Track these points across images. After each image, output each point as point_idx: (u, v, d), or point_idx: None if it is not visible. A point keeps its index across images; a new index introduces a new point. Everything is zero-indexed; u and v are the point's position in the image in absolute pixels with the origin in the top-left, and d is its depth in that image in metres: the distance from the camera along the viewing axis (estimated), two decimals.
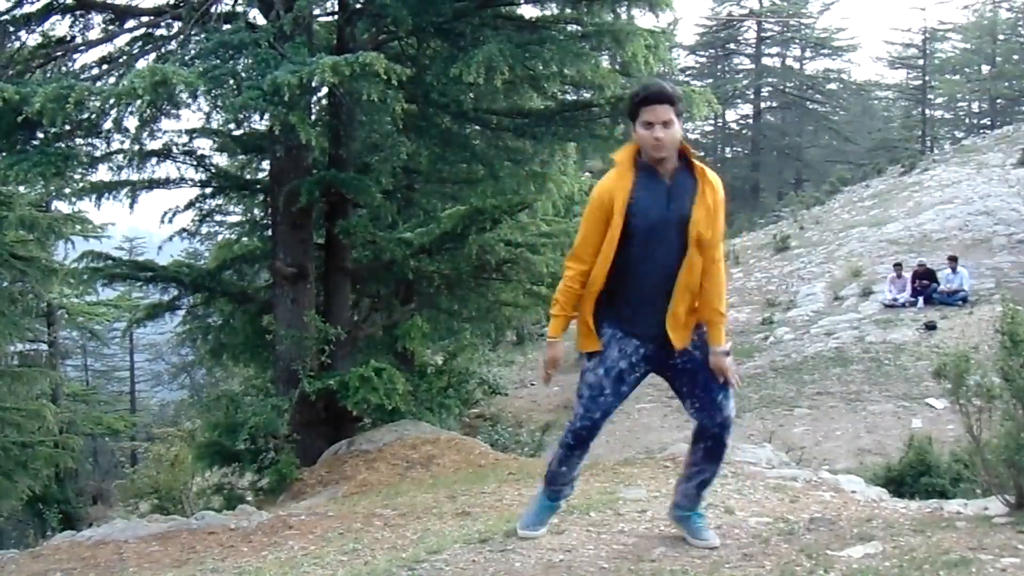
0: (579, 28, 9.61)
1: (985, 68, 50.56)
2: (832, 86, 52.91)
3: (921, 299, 17.73)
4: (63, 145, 8.84)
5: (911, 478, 8.41)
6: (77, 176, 10.27)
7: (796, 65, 53.32)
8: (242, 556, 5.31)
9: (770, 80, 52.11)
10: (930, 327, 16.11)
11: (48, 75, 9.42)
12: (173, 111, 8.76)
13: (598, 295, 3.82)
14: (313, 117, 10.19)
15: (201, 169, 11.21)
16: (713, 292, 3.76)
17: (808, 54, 53.11)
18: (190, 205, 12.05)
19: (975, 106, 53.94)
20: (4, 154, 8.72)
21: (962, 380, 4.37)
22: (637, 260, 3.74)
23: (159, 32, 9.70)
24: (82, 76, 9.35)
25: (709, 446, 3.93)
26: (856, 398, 13.81)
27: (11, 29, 9.51)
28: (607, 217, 3.72)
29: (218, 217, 13.99)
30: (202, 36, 9.09)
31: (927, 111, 51.29)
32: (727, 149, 56.03)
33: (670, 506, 4.17)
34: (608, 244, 3.73)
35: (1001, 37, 49.58)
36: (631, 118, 3.74)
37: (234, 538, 6.11)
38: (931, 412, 12.59)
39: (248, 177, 12.96)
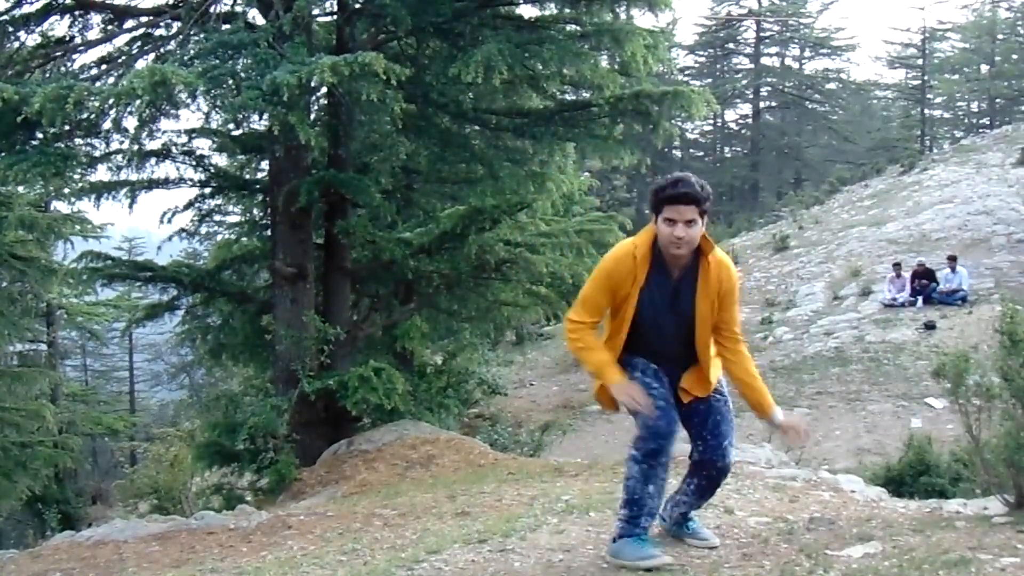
0: (578, 28, 9.62)
1: (984, 68, 50.57)
2: (831, 86, 52.92)
3: (920, 299, 17.72)
4: (62, 145, 8.84)
5: (910, 478, 8.41)
6: (76, 176, 10.26)
7: (795, 65, 53.32)
8: (241, 556, 5.30)
9: (769, 80, 52.10)
10: (929, 327, 16.11)
11: (47, 75, 9.42)
12: (172, 111, 8.76)
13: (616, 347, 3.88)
14: (312, 117, 10.19)
15: (200, 169, 11.22)
16: (743, 371, 3.84)
17: (807, 54, 53.13)
18: (189, 205, 12.05)
19: (974, 106, 53.95)
20: (4, 154, 8.72)
21: (961, 380, 4.37)
22: (648, 337, 3.82)
23: (158, 32, 9.70)
24: (81, 76, 9.35)
25: (703, 485, 3.95)
26: (855, 398, 13.81)
27: (10, 29, 9.52)
28: (614, 291, 3.77)
29: (217, 217, 13.98)
30: (201, 36, 9.08)
31: (926, 111, 51.27)
32: (726, 149, 56.04)
33: (662, 524, 4.11)
34: (619, 326, 3.81)
35: (1000, 37, 49.58)
36: (653, 210, 3.70)
37: (233, 538, 6.11)
38: (930, 412, 12.58)
39: (247, 177, 12.96)
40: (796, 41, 52.35)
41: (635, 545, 3.74)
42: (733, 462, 3.94)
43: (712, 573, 3.57)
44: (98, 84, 8.96)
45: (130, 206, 10.59)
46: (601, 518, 4.59)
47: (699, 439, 3.88)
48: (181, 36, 9.43)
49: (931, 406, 12.73)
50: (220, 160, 12.44)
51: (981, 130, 45.59)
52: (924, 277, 18.01)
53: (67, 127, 8.47)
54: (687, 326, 3.76)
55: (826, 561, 3.61)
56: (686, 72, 51.12)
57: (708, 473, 3.91)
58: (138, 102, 7.67)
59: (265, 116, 8.50)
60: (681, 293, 3.74)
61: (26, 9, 9.50)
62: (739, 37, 52.66)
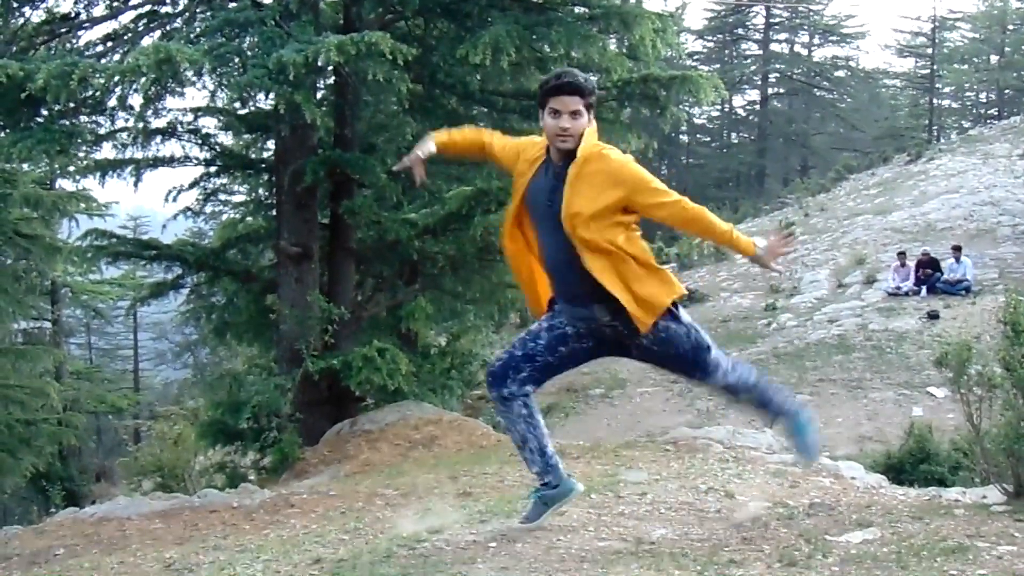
0: (586, 10, 9.58)
1: (994, 58, 50.35)
2: (840, 73, 52.75)
3: (924, 288, 17.70)
4: (67, 122, 8.85)
5: (911, 465, 8.44)
6: (81, 154, 10.27)
7: (804, 52, 53.15)
8: (244, 534, 5.33)
9: (778, 66, 51.93)
10: (933, 316, 16.09)
11: (52, 52, 9.38)
12: (178, 89, 8.75)
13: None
14: (319, 96, 10.19)
15: (206, 148, 11.19)
16: (700, 225, 3.66)
17: (816, 41, 52.95)
18: (194, 184, 12.03)
19: (983, 96, 53.78)
20: (8, 131, 8.72)
21: (963, 369, 4.38)
22: (540, 245, 3.80)
23: (164, 9, 9.66)
24: (86, 53, 9.33)
25: (731, 398, 3.98)
26: (857, 385, 13.82)
27: (15, 5, 9.49)
28: (511, 163, 3.84)
29: (222, 196, 13.95)
30: (207, 14, 9.07)
31: (934, 100, 51.10)
32: (733, 135, 55.90)
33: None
34: (509, 216, 3.85)
35: (1011, 27, 49.33)
36: (540, 105, 3.67)
37: (236, 516, 6.14)
38: (932, 401, 12.59)
39: (253, 156, 12.93)
40: (805, 28, 52.16)
41: (531, 510, 4.00)
42: (720, 369, 3.78)
43: (712, 556, 3.59)
44: (103, 61, 8.93)
45: (135, 184, 10.59)
46: (603, 500, 4.61)
47: (674, 373, 3.98)
48: (187, 14, 9.41)
49: (932, 395, 12.74)
50: (226, 139, 12.42)
51: (989, 121, 45.44)
52: (928, 266, 17.98)
53: (72, 104, 8.47)
54: (560, 225, 3.60)
55: (825, 546, 3.63)
56: (694, 57, 50.98)
57: (718, 390, 3.92)
58: (143, 80, 7.65)
59: (271, 95, 8.48)
60: (557, 186, 3.63)
61: None
62: (748, 23, 52.47)
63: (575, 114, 3.58)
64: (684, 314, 3.76)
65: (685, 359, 3.77)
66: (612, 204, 3.55)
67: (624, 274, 3.59)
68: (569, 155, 3.63)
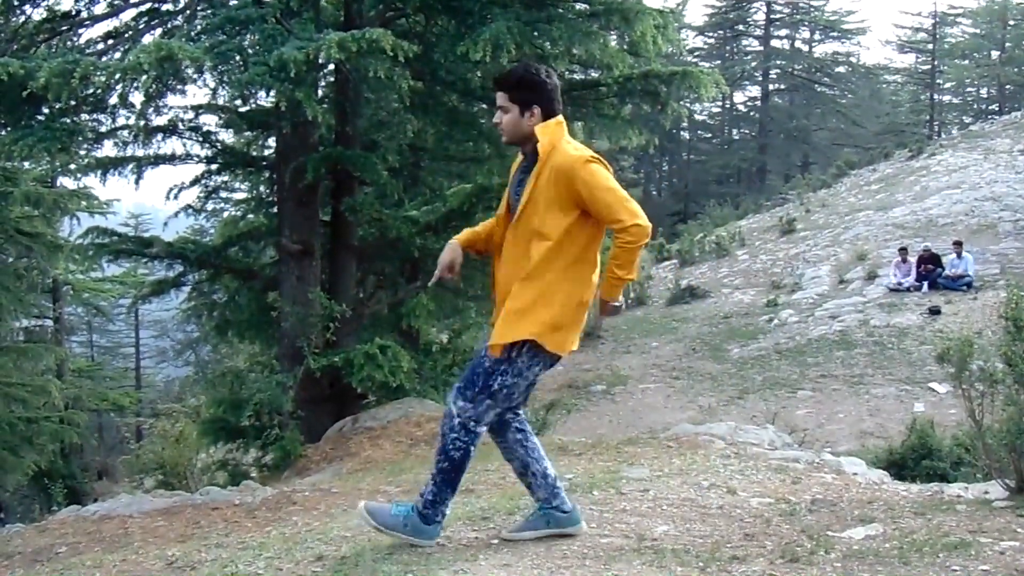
0: (587, 7, 9.58)
1: (995, 53, 50.31)
2: (841, 69, 52.71)
3: (926, 284, 17.68)
4: (68, 120, 8.85)
5: (912, 461, 8.43)
6: (82, 152, 10.28)
7: (805, 47, 53.10)
8: (246, 531, 5.34)
9: (778, 62, 51.89)
10: (934, 312, 16.08)
11: (53, 50, 9.40)
12: (179, 87, 8.76)
13: None
14: (320, 94, 10.17)
15: (207, 145, 11.21)
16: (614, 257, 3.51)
17: (817, 36, 52.90)
18: (196, 181, 12.04)
19: (983, 91, 53.75)
20: (9, 129, 8.73)
21: (965, 365, 4.38)
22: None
23: (165, 7, 9.67)
24: (87, 51, 9.34)
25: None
26: (859, 381, 13.81)
27: (16, 3, 9.49)
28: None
29: (224, 194, 13.99)
30: (208, 11, 9.07)
31: (935, 96, 51.08)
32: (734, 131, 55.84)
33: None
34: (500, 215, 3.80)
35: (1011, 22, 49.28)
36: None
37: (238, 513, 6.15)
38: (934, 396, 12.59)
39: (254, 154, 12.95)
40: (806, 24, 52.10)
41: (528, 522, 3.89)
42: (452, 406, 3.62)
43: (714, 552, 3.59)
44: (104, 59, 8.95)
45: (136, 182, 10.61)
46: (604, 496, 4.61)
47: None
48: (188, 11, 9.41)
49: (934, 391, 12.74)
50: (227, 136, 12.45)
51: (990, 116, 45.43)
52: (930, 262, 17.97)
53: (73, 102, 8.47)
54: (518, 214, 3.56)
55: (827, 542, 3.63)
56: (695, 53, 50.92)
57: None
58: (144, 77, 7.66)
59: (272, 92, 8.49)
60: (522, 180, 3.61)
61: None
62: (749, 19, 52.41)
63: (502, 109, 3.64)
64: (522, 361, 3.57)
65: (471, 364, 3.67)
66: (554, 200, 3.48)
67: (514, 290, 3.57)
68: (531, 153, 3.62)
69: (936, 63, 49.96)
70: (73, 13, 9.72)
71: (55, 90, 7.52)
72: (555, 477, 3.82)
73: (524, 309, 3.50)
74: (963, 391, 4.41)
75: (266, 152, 12.78)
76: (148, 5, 9.62)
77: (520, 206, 3.54)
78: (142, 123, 9.31)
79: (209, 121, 11.33)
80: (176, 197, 12.00)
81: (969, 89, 54.65)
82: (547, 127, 3.56)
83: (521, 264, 3.54)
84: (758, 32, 52.24)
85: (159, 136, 10.46)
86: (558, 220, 3.47)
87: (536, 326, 3.49)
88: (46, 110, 8.70)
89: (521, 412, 3.80)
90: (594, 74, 10.81)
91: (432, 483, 3.67)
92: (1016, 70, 49.01)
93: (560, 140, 3.55)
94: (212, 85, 9.18)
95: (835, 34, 51.75)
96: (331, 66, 9.67)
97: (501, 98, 3.60)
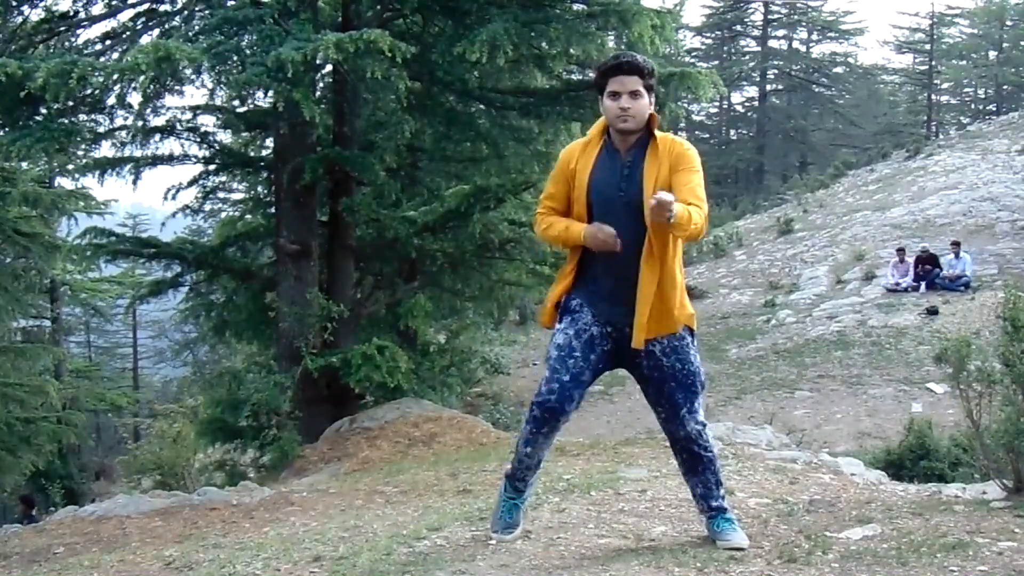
0: (585, 7, 9.58)
1: (992, 54, 50.35)
2: (838, 69, 52.72)
3: (923, 284, 17.69)
4: (66, 121, 8.85)
5: (910, 462, 8.43)
6: (80, 152, 10.29)
7: (803, 48, 53.12)
8: (244, 532, 5.33)
9: (776, 63, 51.88)
10: (932, 312, 16.09)
11: (51, 50, 9.40)
12: (177, 87, 8.77)
13: (572, 274, 3.71)
14: (317, 94, 10.18)
15: (205, 146, 11.21)
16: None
17: (815, 37, 52.90)
18: (193, 182, 12.05)
19: (981, 92, 53.76)
20: (7, 129, 8.72)
21: (963, 365, 4.38)
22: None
23: (163, 8, 9.67)
24: (85, 51, 9.34)
25: (683, 459, 3.74)
26: (857, 381, 13.82)
27: (14, 4, 9.50)
28: (568, 180, 3.67)
29: (221, 194, 14.01)
30: (206, 12, 9.07)
31: (933, 96, 51.11)
32: (732, 131, 55.84)
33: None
34: (576, 218, 3.65)
35: (1009, 23, 49.32)
36: (598, 89, 3.62)
37: (236, 514, 6.14)
38: (931, 396, 12.59)
39: (252, 154, 12.95)
40: (804, 24, 52.10)
41: (502, 510, 3.87)
42: (697, 429, 3.62)
43: (712, 553, 3.59)
44: (102, 59, 8.95)
45: (134, 182, 10.61)
46: (602, 497, 4.62)
47: (658, 406, 3.67)
48: (186, 12, 9.41)
49: (932, 391, 12.74)
50: (225, 137, 12.45)
51: (987, 116, 45.44)
52: (928, 262, 17.98)
53: (71, 103, 8.47)
54: (638, 210, 3.47)
55: (825, 543, 3.63)
56: (693, 54, 50.87)
57: (675, 446, 3.72)
58: (142, 78, 7.65)
59: (270, 93, 8.49)
60: (630, 173, 3.55)
61: None
62: (747, 19, 52.41)
63: (634, 94, 3.52)
64: (694, 346, 3.68)
65: (683, 385, 3.62)
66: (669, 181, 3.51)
67: (662, 282, 3.53)
68: (639, 140, 3.59)
69: (934, 63, 49.98)
70: (71, 13, 9.71)
71: (53, 90, 7.52)
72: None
73: (677, 297, 3.57)
74: (961, 391, 4.41)
75: (264, 152, 12.78)
76: (146, 6, 9.62)
77: (646, 190, 3.48)
78: (140, 123, 9.32)
79: (207, 121, 11.35)
80: (174, 197, 12.02)
81: (967, 89, 54.69)
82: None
83: (653, 251, 3.50)
84: (756, 33, 52.24)
85: (157, 136, 10.46)
86: None
87: (688, 309, 3.63)
88: (44, 110, 8.70)
89: None
90: (592, 75, 10.80)
91: (719, 487, 3.74)
92: (1014, 70, 49.05)
93: None
94: (210, 86, 9.19)
95: (833, 34, 51.73)
96: (329, 67, 9.68)
97: (633, 82, 3.52)
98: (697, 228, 3.39)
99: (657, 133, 3.60)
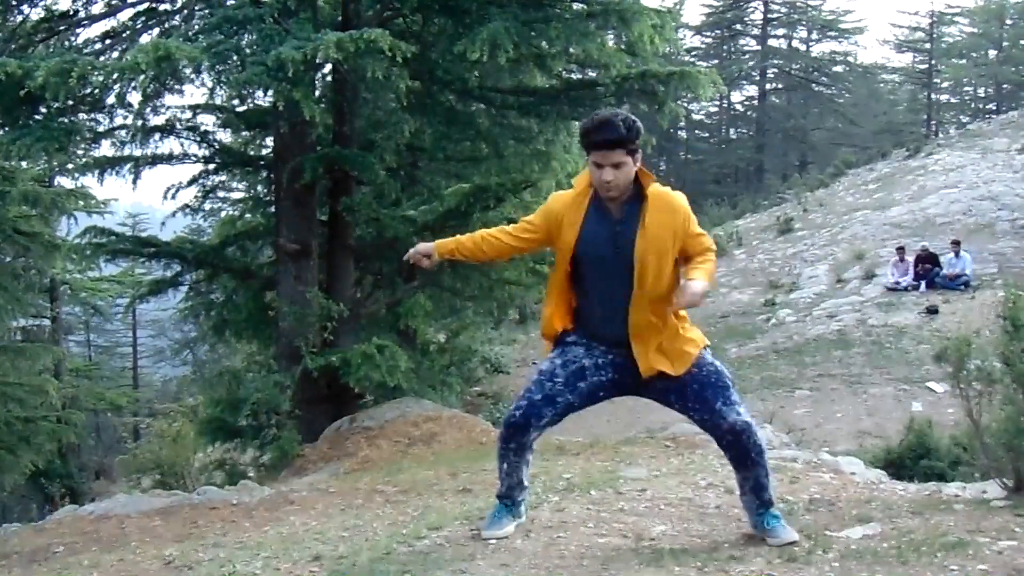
0: (585, 6, 9.57)
1: (992, 53, 50.33)
2: (838, 68, 52.69)
3: (923, 283, 17.70)
4: (66, 120, 8.84)
5: (910, 461, 8.44)
6: (80, 151, 10.28)
7: (802, 47, 53.10)
8: (244, 531, 5.34)
9: (776, 62, 51.86)
10: (932, 311, 16.10)
11: (51, 49, 9.39)
12: (176, 86, 8.76)
13: (567, 310, 3.76)
14: (317, 94, 10.16)
15: (204, 145, 11.20)
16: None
17: (815, 36, 52.88)
18: (193, 181, 12.05)
19: (981, 91, 53.75)
20: (7, 129, 8.72)
21: (963, 364, 4.37)
22: (591, 287, 3.68)
23: (163, 7, 9.66)
24: (85, 51, 9.33)
25: (731, 455, 3.71)
26: (857, 381, 13.82)
27: (14, 3, 9.49)
28: (552, 229, 3.69)
29: (221, 193, 14.01)
30: (206, 11, 9.06)
31: (933, 95, 51.11)
32: (732, 130, 55.84)
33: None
34: (559, 268, 3.71)
35: (1008, 22, 49.30)
36: (585, 150, 3.59)
37: (236, 513, 6.14)
38: (931, 396, 12.59)
39: (252, 153, 12.95)
40: (804, 23, 52.09)
41: (493, 515, 3.93)
42: (743, 421, 3.59)
43: (712, 552, 3.59)
44: (102, 59, 8.94)
45: (134, 182, 10.61)
46: (602, 496, 4.62)
47: (691, 411, 3.68)
48: (186, 11, 9.41)
49: (932, 390, 12.74)
50: (224, 136, 12.45)
51: (987, 115, 45.43)
52: (927, 261, 17.99)
53: (70, 102, 8.47)
54: (631, 268, 3.55)
55: (825, 542, 3.63)
56: (693, 53, 50.87)
57: (723, 441, 3.66)
58: (142, 77, 7.66)
59: (270, 92, 8.49)
60: (623, 231, 3.57)
61: None
62: (746, 18, 52.40)
63: (618, 166, 3.50)
64: (708, 355, 3.75)
65: (708, 384, 3.65)
66: (671, 245, 3.57)
67: (656, 334, 3.64)
68: (631, 197, 3.60)
69: (933, 62, 49.97)
70: (71, 13, 9.71)
71: (53, 89, 7.51)
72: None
73: (685, 336, 3.70)
74: (961, 390, 4.40)
75: (264, 152, 12.77)
76: (146, 5, 9.61)
77: (638, 255, 3.54)
78: (140, 123, 9.31)
79: (207, 121, 11.35)
80: (174, 197, 12.02)
81: (966, 88, 54.66)
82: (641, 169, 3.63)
83: (651, 311, 3.60)
84: (755, 32, 52.22)
85: (157, 136, 10.45)
86: (671, 258, 3.61)
87: (697, 340, 3.74)
88: (44, 109, 8.69)
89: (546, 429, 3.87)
90: (592, 74, 10.81)
91: (769, 482, 3.73)
92: (1013, 69, 49.04)
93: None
94: (210, 85, 9.17)
95: (832, 33, 51.72)
96: (329, 66, 9.67)
97: (616, 155, 3.49)
98: (714, 273, 3.65)
99: (649, 190, 3.59)
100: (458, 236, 3.94)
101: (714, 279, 3.60)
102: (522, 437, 3.71)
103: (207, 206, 13.69)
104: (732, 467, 3.78)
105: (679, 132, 50.76)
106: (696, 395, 3.64)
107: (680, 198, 3.65)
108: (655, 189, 3.60)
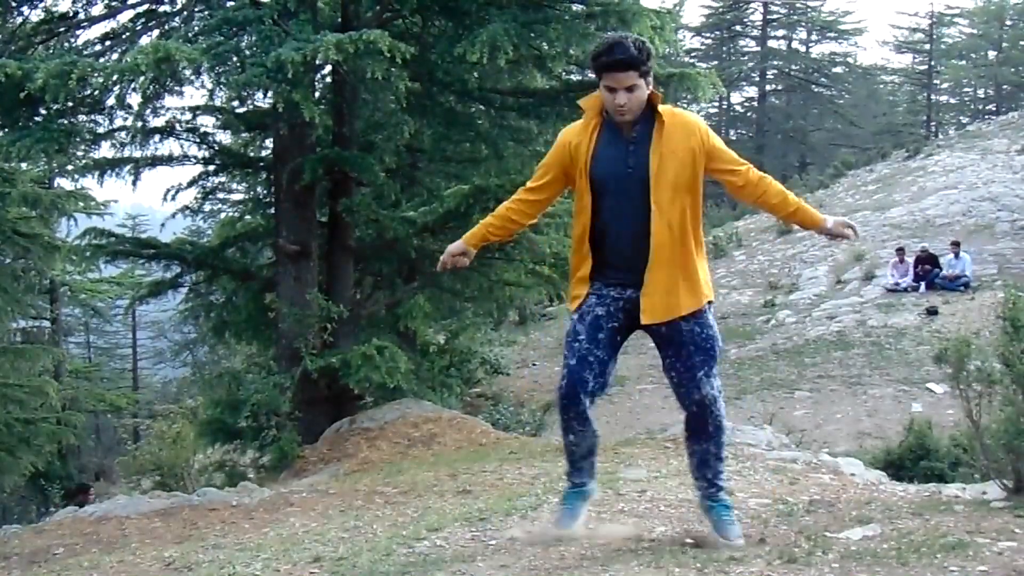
0: (584, 8, 9.57)
1: (992, 54, 50.35)
2: (838, 69, 52.67)
3: (923, 284, 17.70)
4: (66, 121, 8.85)
5: (910, 462, 8.44)
6: (80, 153, 10.28)
7: (802, 48, 53.08)
8: (243, 532, 5.34)
9: (776, 63, 51.86)
10: (932, 312, 16.10)
11: (51, 51, 9.39)
12: (176, 88, 8.77)
13: (588, 256, 3.69)
14: (317, 95, 10.17)
15: (204, 147, 11.20)
16: (772, 196, 3.73)
17: (814, 37, 52.87)
18: (193, 183, 12.05)
19: (981, 92, 53.76)
20: (7, 130, 8.72)
21: (963, 365, 4.37)
22: (609, 217, 3.61)
23: (162, 8, 9.67)
24: (85, 52, 9.33)
25: (689, 424, 3.72)
26: (857, 382, 13.82)
27: (14, 4, 9.50)
28: (565, 162, 3.66)
29: (221, 195, 14.00)
30: (206, 13, 9.07)
31: (932, 96, 51.14)
32: (731, 131, 55.76)
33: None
34: (579, 200, 3.66)
35: (1008, 23, 49.33)
36: (596, 74, 3.56)
37: (236, 514, 6.14)
38: (931, 397, 12.59)
39: (251, 155, 12.94)
40: (803, 24, 52.09)
41: (562, 506, 3.85)
42: (713, 395, 3.61)
43: (712, 553, 3.58)
44: (102, 60, 8.93)
45: (133, 183, 10.61)
46: (602, 497, 4.61)
47: (672, 370, 3.65)
48: (185, 13, 9.41)
49: (932, 391, 12.74)
50: (224, 137, 12.45)
51: (987, 116, 45.44)
52: (927, 262, 17.99)
53: (70, 103, 8.47)
54: (646, 185, 3.51)
55: (825, 543, 3.62)
56: (692, 54, 50.85)
57: (689, 410, 3.66)
58: (142, 79, 7.66)
59: (269, 93, 8.49)
60: (636, 149, 3.54)
61: None
62: (746, 19, 52.39)
63: (631, 88, 3.47)
64: (711, 314, 3.72)
65: (702, 349, 3.62)
66: (689, 162, 3.54)
67: (674, 259, 3.57)
68: (643, 116, 3.56)
69: (933, 63, 49.99)
70: (71, 14, 9.71)
71: (53, 91, 7.52)
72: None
73: (699, 273, 3.63)
74: (960, 391, 4.40)
75: (263, 153, 12.77)
76: (145, 7, 9.62)
77: (653, 172, 3.51)
78: (139, 124, 9.31)
79: (206, 122, 11.35)
80: (174, 198, 12.02)
81: (966, 89, 54.69)
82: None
83: (670, 228, 3.55)
84: (755, 33, 52.21)
85: (156, 137, 10.46)
86: (697, 177, 3.59)
87: (709, 287, 3.69)
88: (44, 111, 8.70)
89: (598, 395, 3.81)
90: (591, 75, 10.81)
91: (719, 463, 3.74)
92: (1013, 70, 49.06)
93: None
94: (209, 86, 9.18)
95: (832, 34, 51.72)
96: (328, 67, 9.67)
97: (629, 78, 3.45)
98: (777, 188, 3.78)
99: (660, 109, 3.57)
100: (481, 223, 3.92)
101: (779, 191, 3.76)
102: (578, 406, 3.65)
103: (207, 207, 13.70)
104: (686, 438, 3.79)
105: None
106: (688, 357, 3.62)
107: (695, 116, 3.67)
108: (667, 108, 3.59)
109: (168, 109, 10.43)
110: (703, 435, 3.70)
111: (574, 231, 3.76)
